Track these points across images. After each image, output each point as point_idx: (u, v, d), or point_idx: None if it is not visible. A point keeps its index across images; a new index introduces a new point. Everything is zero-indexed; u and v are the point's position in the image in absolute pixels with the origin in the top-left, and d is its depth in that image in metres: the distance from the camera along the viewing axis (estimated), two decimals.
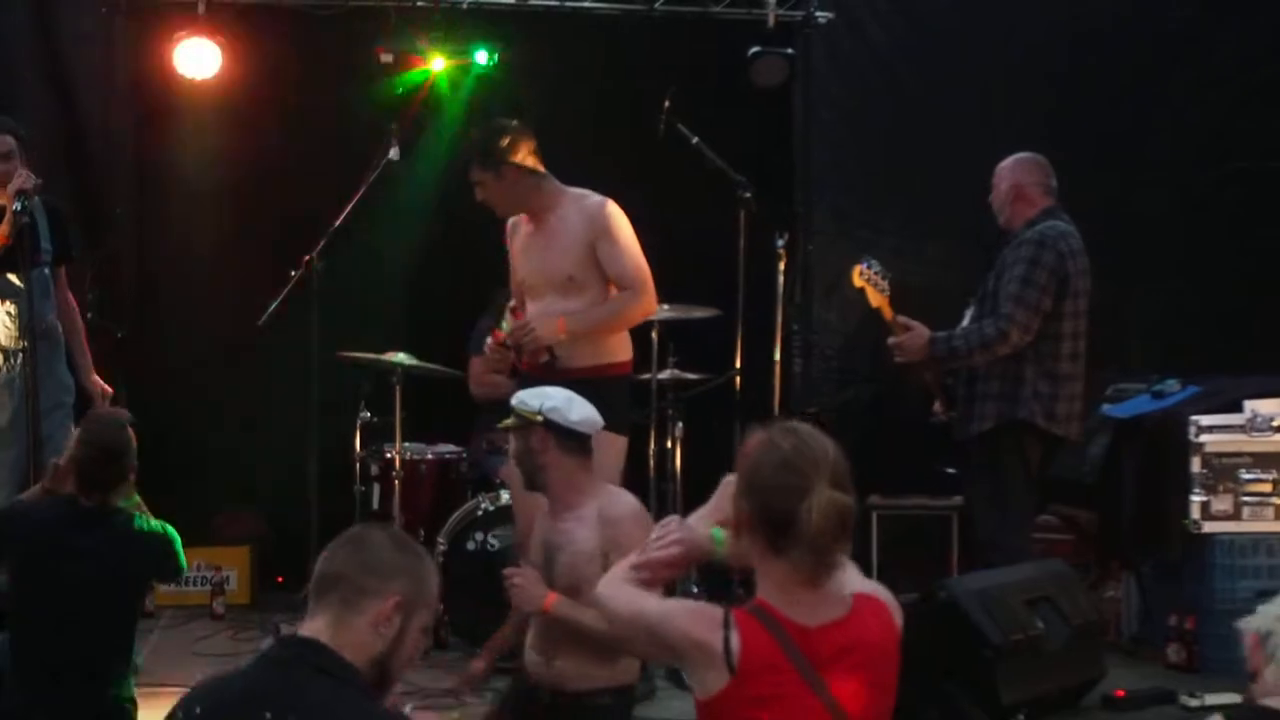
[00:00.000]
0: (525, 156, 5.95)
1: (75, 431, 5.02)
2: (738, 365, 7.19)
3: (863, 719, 3.14)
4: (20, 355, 6.25)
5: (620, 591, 3.31)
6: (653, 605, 3.25)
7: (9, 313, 6.29)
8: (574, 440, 4.70)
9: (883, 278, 6.40)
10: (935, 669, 5.60)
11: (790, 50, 8.06)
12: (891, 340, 6.48)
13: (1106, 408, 7.35)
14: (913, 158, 8.27)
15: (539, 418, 4.68)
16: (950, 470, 7.23)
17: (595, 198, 5.93)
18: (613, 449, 5.50)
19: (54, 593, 4.75)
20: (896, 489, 7.75)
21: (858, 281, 6.44)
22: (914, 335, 6.44)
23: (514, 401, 4.82)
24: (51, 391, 6.44)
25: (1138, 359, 7.90)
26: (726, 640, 3.07)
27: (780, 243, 7.01)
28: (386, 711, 3.01)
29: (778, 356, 7.11)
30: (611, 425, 5.19)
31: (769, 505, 3.11)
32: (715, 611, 3.13)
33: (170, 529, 5.04)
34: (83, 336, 6.77)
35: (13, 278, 6.31)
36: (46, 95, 7.93)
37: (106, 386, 6.72)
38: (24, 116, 7.30)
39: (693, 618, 3.15)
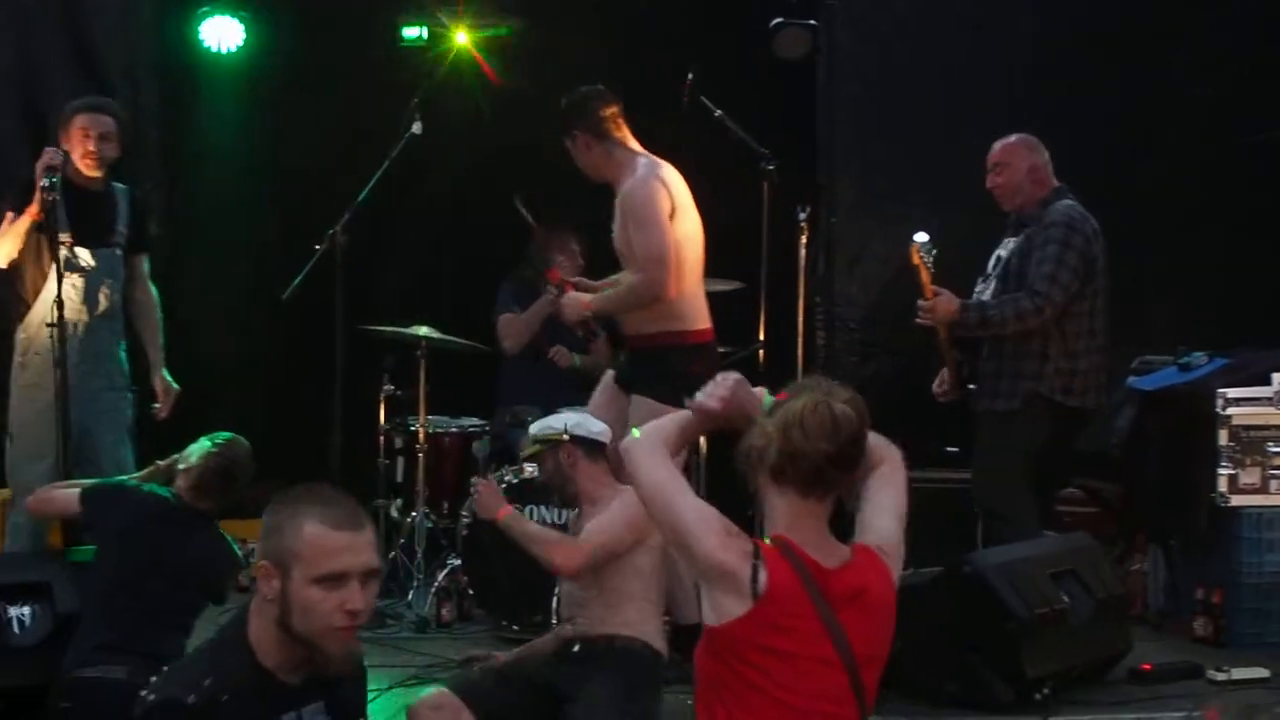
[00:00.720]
0: (599, 124, 5.99)
1: (204, 443, 5.26)
2: (761, 338, 7.18)
3: (866, 661, 3.23)
4: (75, 328, 6.28)
5: (660, 464, 3.34)
6: (688, 508, 3.26)
7: (75, 286, 6.32)
8: (597, 449, 5.09)
9: (929, 254, 6.40)
10: (960, 642, 5.61)
11: (813, 22, 8.03)
12: (921, 303, 6.46)
13: (1133, 380, 7.31)
14: (936, 130, 8.22)
15: (565, 435, 5.07)
16: (952, 449, 7.26)
17: (640, 173, 5.93)
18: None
19: (145, 572, 5.04)
20: (920, 462, 7.67)
21: (915, 260, 6.40)
22: (945, 298, 6.42)
23: (535, 430, 5.21)
24: (109, 371, 6.52)
25: (1164, 332, 7.85)
26: (755, 570, 3.13)
27: (802, 215, 7.01)
28: (207, 675, 3.20)
29: (800, 329, 7.11)
30: (657, 394, 5.51)
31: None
32: (744, 542, 3.19)
33: (239, 553, 5.38)
34: (156, 331, 6.76)
35: (83, 254, 6.35)
36: (71, 71, 7.91)
37: (173, 384, 6.72)
38: (48, 93, 7.34)
39: (723, 542, 3.19)
